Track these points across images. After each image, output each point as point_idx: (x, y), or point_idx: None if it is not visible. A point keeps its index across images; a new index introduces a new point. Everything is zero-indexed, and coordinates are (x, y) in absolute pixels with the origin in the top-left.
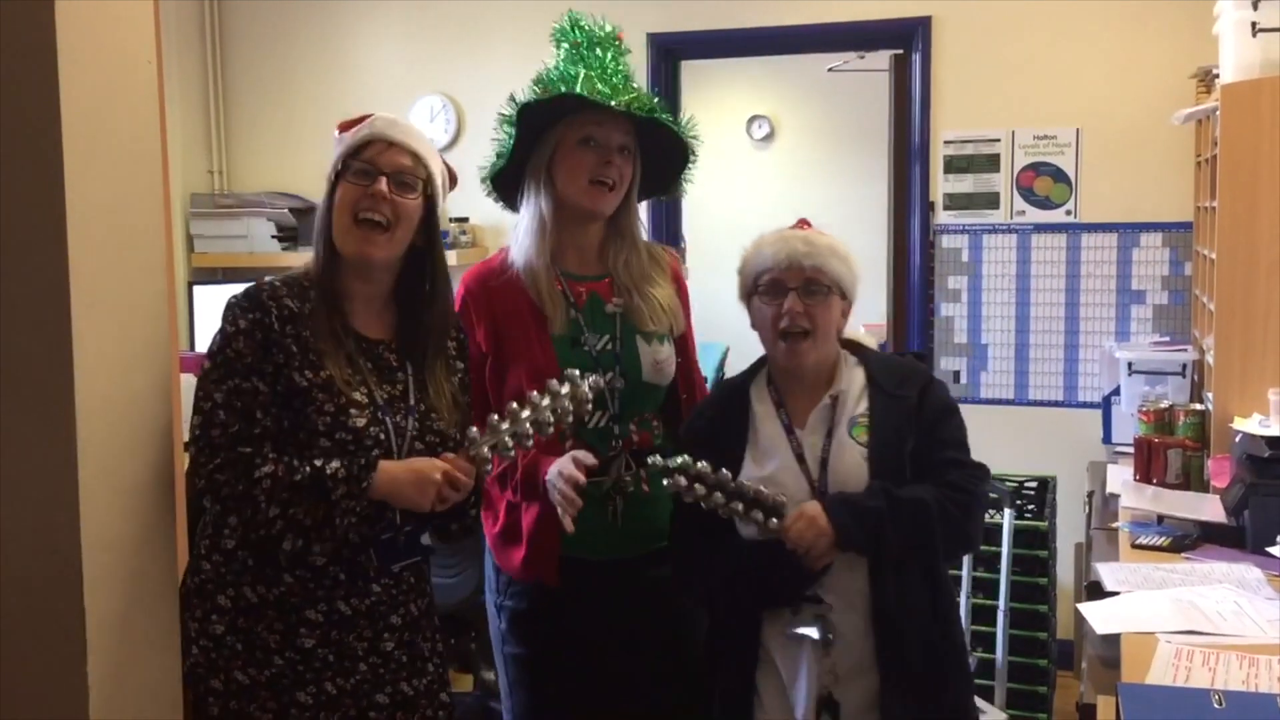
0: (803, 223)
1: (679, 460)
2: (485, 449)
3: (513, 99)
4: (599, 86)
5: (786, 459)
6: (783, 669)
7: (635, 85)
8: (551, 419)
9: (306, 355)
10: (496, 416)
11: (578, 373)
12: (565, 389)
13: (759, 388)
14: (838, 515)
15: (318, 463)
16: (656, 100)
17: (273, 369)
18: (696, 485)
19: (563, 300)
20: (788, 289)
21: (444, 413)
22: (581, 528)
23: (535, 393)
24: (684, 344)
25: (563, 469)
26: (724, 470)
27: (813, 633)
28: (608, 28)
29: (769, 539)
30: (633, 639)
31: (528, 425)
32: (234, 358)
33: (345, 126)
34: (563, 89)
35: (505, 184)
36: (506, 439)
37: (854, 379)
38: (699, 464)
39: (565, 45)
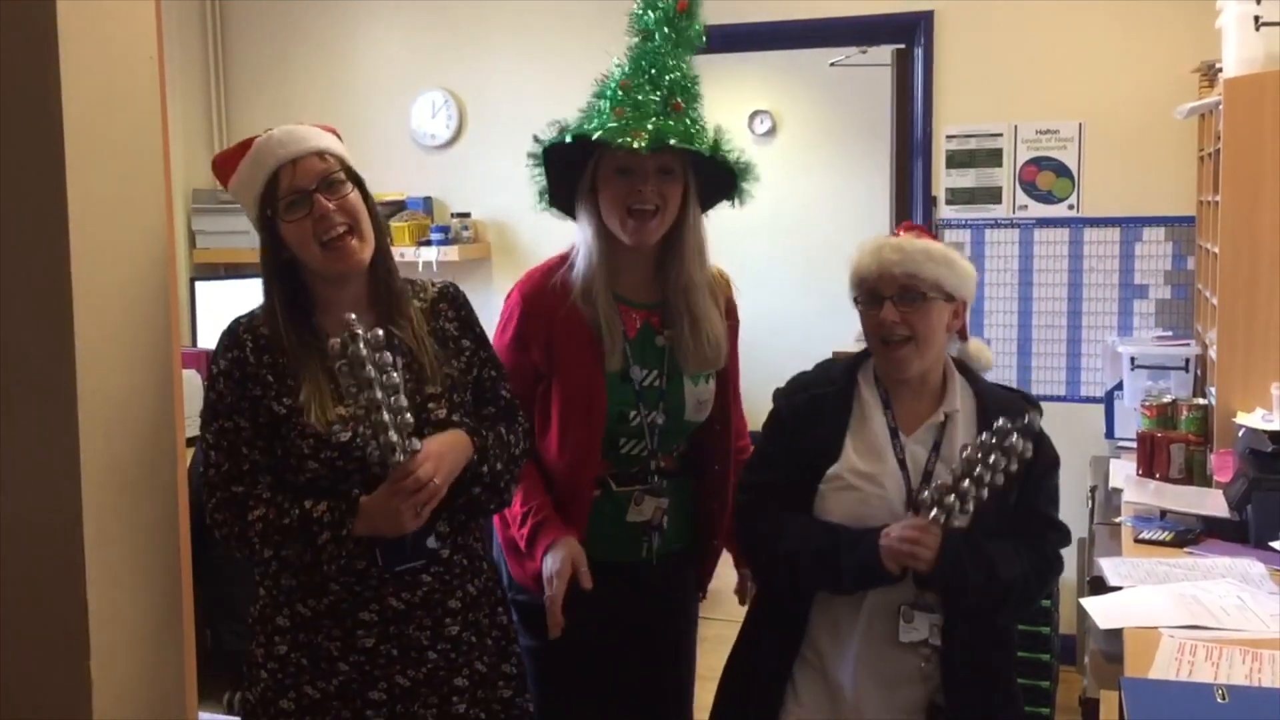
0: (905, 227)
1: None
2: (393, 455)
3: (536, 139)
4: (627, 114)
5: (891, 462)
6: (829, 661)
7: (681, 85)
8: (378, 392)
9: (284, 382)
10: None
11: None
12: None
13: (867, 376)
14: (949, 556)
15: (306, 504)
16: (697, 114)
17: (249, 404)
18: (949, 498)
19: (619, 334)
20: (883, 298)
21: (445, 397)
22: (595, 531)
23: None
24: (725, 377)
25: (554, 573)
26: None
27: (925, 634)
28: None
29: (848, 519)
30: (642, 632)
31: (380, 405)
32: (216, 400)
33: (225, 162)
34: (579, 130)
35: (564, 197)
36: (390, 434)
37: (965, 402)
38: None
39: (635, 38)
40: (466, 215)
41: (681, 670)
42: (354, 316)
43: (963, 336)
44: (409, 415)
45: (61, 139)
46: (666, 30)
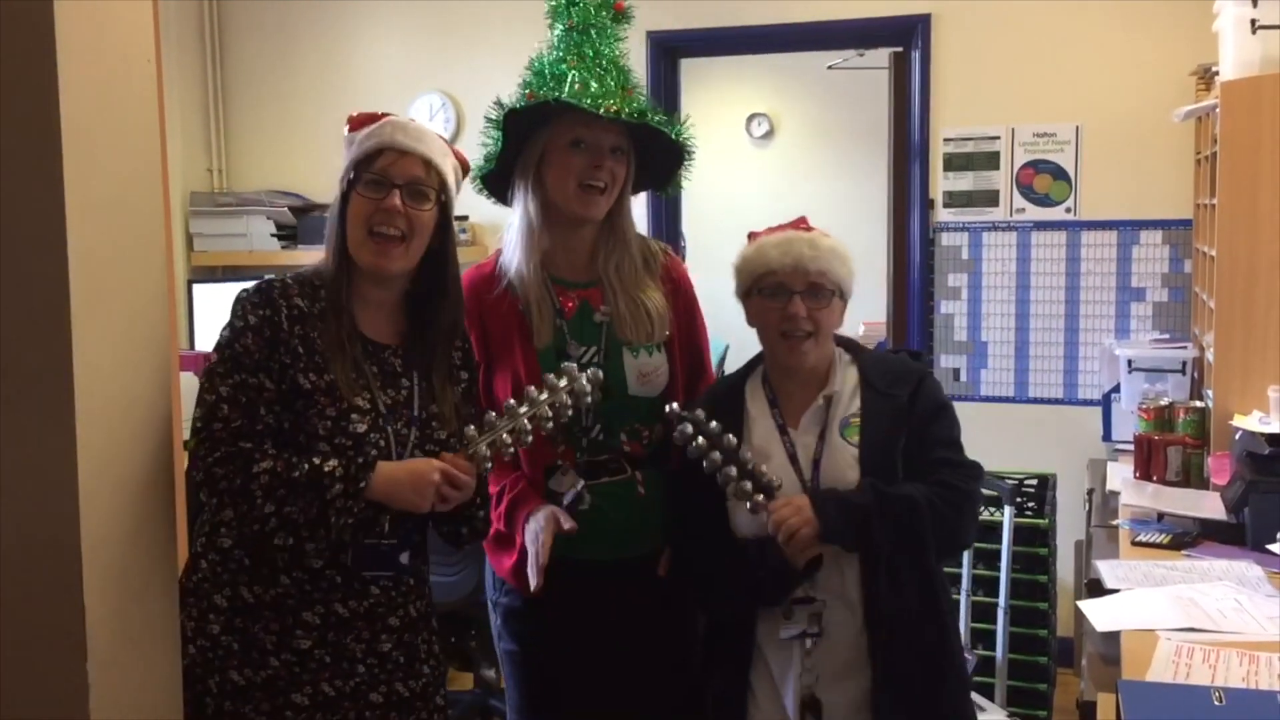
0: (801, 221)
1: (695, 412)
2: (484, 447)
3: (499, 103)
4: (591, 86)
5: (780, 459)
6: (774, 668)
7: (632, 77)
8: (550, 414)
9: (312, 357)
10: (494, 415)
11: (574, 366)
12: (563, 383)
13: (754, 386)
14: (824, 508)
15: (316, 460)
16: (646, 100)
17: (278, 367)
18: (699, 439)
19: (550, 310)
20: (792, 292)
21: (447, 421)
22: (578, 530)
23: (533, 388)
24: (689, 347)
25: (539, 530)
26: (731, 435)
27: (799, 629)
28: None
29: (756, 529)
30: (625, 637)
31: (525, 421)
32: (242, 353)
33: (356, 123)
34: (549, 94)
35: (498, 180)
36: (505, 436)
37: (847, 378)
38: (711, 422)
39: (560, 27)
40: (464, 219)
41: (677, 660)
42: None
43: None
44: (529, 439)
45: (59, 142)
46: (602, 25)
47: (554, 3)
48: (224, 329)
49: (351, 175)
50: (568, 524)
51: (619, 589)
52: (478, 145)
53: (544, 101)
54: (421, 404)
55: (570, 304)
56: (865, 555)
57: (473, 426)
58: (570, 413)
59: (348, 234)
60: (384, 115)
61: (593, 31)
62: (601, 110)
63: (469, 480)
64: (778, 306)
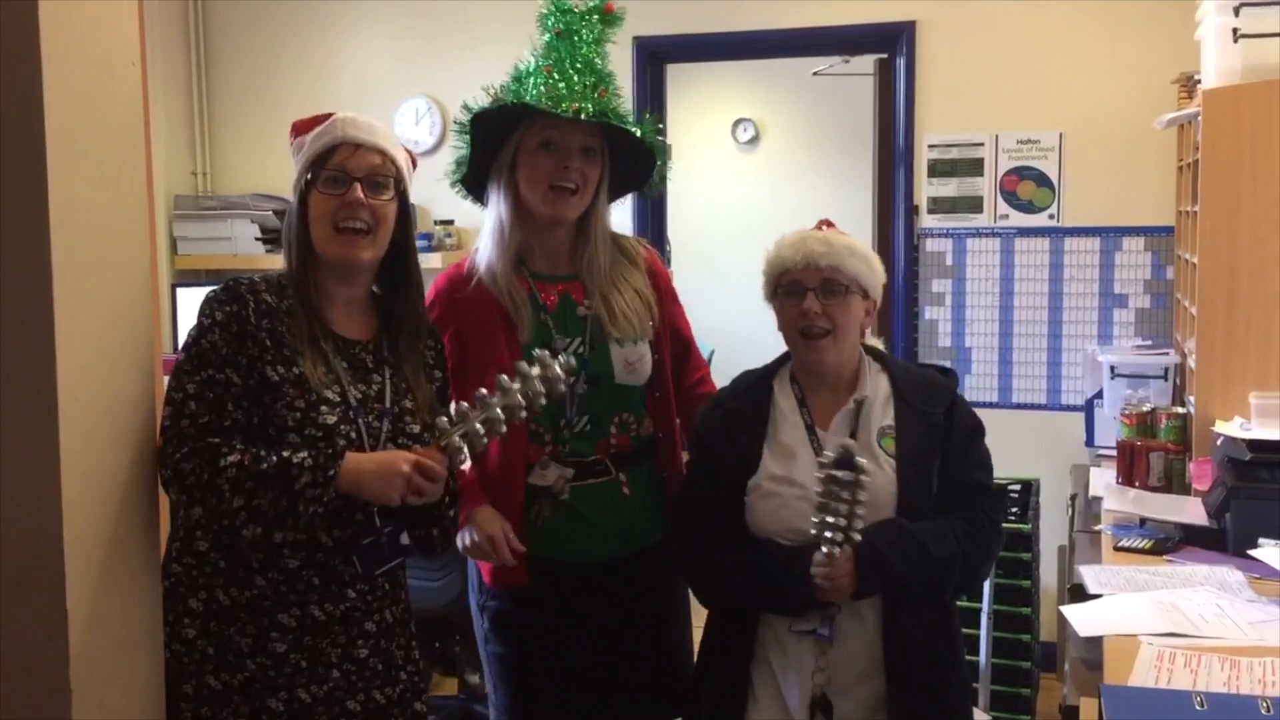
0: (824, 223)
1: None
2: (456, 438)
3: (466, 107)
4: (558, 88)
5: (807, 458)
6: (777, 664)
7: (608, 79)
8: (523, 402)
9: (280, 350)
10: (466, 405)
11: (547, 353)
12: (535, 370)
13: (782, 382)
14: (866, 570)
15: (285, 453)
16: (617, 101)
17: (246, 361)
18: (844, 474)
19: (530, 304)
20: (806, 289)
21: (421, 416)
22: (562, 530)
23: (504, 377)
24: (673, 333)
25: (485, 529)
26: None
27: (817, 628)
28: (592, 2)
29: (779, 529)
30: (612, 638)
31: (499, 411)
32: (208, 349)
33: (302, 127)
34: (512, 97)
35: (477, 182)
36: (478, 426)
37: (878, 386)
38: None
39: (549, 35)
40: (450, 222)
41: (671, 660)
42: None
43: (864, 346)
44: (504, 429)
45: (43, 145)
46: (588, 28)
47: (544, 10)
48: (191, 329)
49: (309, 176)
50: (509, 557)
51: (606, 590)
52: (453, 145)
53: (504, 104)
54: (394, 398)
55: (552, 298)
56: (895, 601)
57: (444, 417)
58: (544, 400)
59: (313, 233)
60: (328, 116)
61: (575, 37)
62: (562, 110)
63: (441, 471)
64: (794, 304)
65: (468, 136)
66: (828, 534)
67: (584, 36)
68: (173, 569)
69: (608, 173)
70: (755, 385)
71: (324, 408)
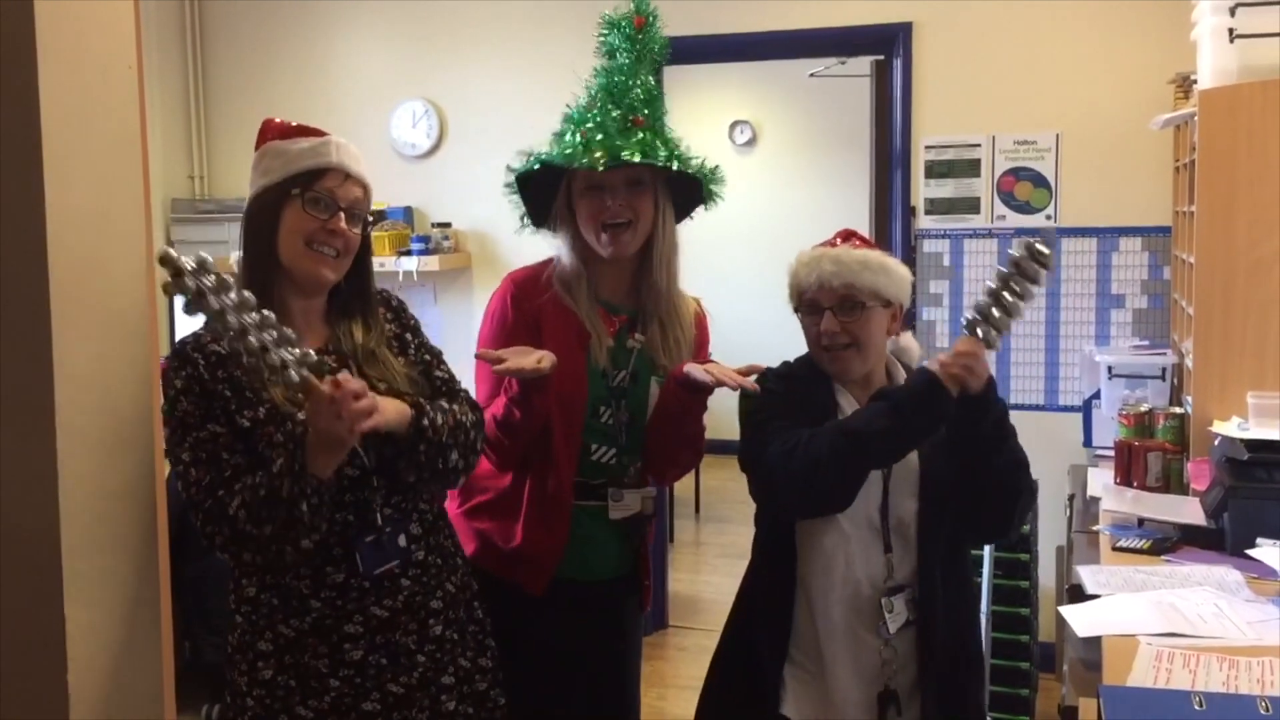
0: (841, 235)
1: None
2: (285, 372)
3: (509, 168)
4: (591, 134)
5: None
6: (835, 660)
7: (640, 111)
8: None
9: (243, 395)
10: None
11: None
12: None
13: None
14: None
15: (269, 469)
16: (647, 132)
17: (221, 413)
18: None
19: (603, 331)
20: (824, 308)
21: (404, 394)
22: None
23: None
24: None
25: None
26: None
27: (907, 614)
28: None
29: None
30: (603, 657)
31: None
32: (184, 416)
33: (278, 131)
34: (542, 155)
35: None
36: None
37: (897, 379)
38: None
39: (599, 79)
40: (447, 225)
41: (623, 691)
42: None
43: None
44: (293, 337)
45: (40, 149)
46: (627, 47)
47: (605, 31)
48: (163, 405)
49: (294, 190)
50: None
51: (584, 609)
52: (461, 152)
53: (531, 168)
54: (370, 387)
55: (611, 327)
56: (984, 424)
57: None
58: (234, 286)
59: (281, 242)
60: (307, 129)
61: (619, 54)
62: (584, 163)
63: (342, 385)
64: (814, 322)
65: (517, 196)
66: (995, 315)
67: (626, 53)
68: (235, 621)
69: (665, 197)
70: (811, 375)
71: (301, 429)
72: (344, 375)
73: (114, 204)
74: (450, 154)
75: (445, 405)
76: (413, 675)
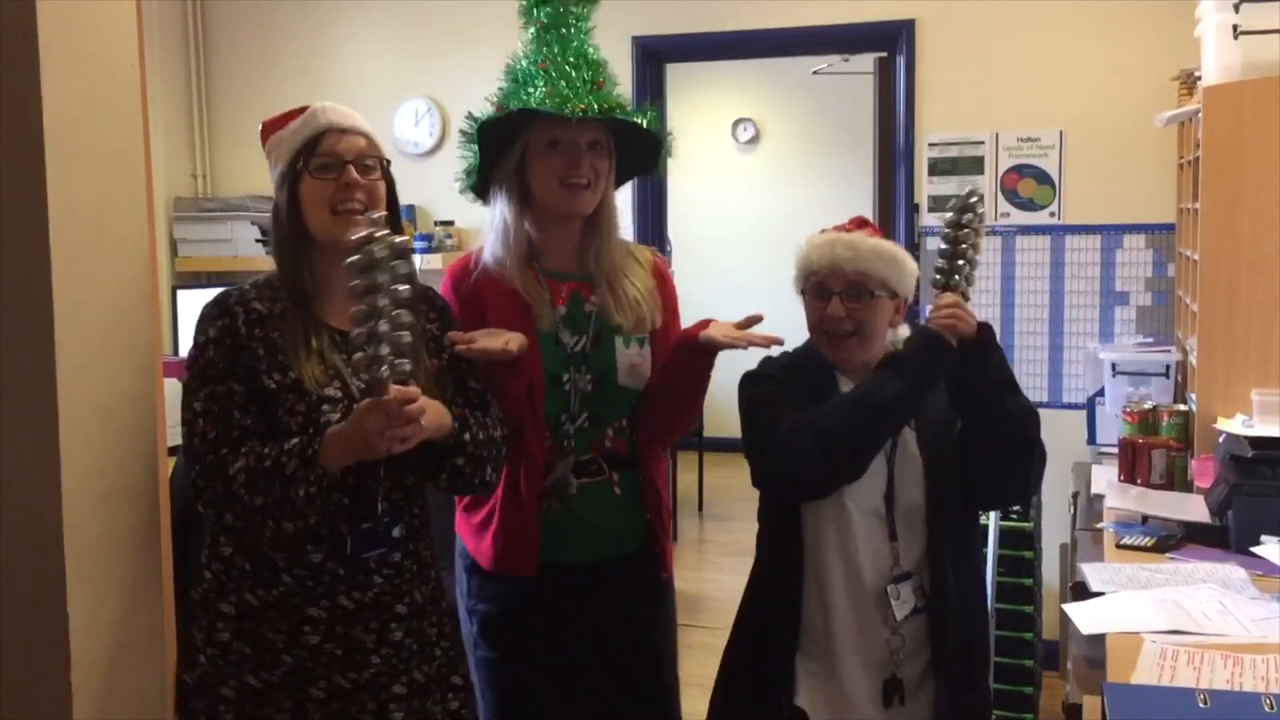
0: (854, 222)
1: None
2: (381, 370)
3: (471, 116)
4: (560, 87)
5: None
6: (844, 650)
7: (603, 70)
8: (404, 294)
9: (275, 357)
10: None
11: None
12: (381, 253)
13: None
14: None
15: (284, 443)
16: (616, 93)
17: (245, 372)
18: (969, 218)
19: (546, 299)
20: (832, 292)
21: (428, 390)
22: (558, 529)
23: (362, 307)
24: (660, 345)
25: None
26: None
27: (915, 601)
28: None
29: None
30: (603, 641)
31: (391, 329)
32: (207, 365)
33: (274, 125)
34: (517, 102)
35: (482, 183)
36: (385, 350)
37: None
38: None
39: (532, 28)
40: (450, 223)
41: (657, 659)
42: (377, 215)
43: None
44: (407, 336)
45: (42, 147)
46: (574, 19)
47: (524, 3)
48: (191, 347)
49: (300, 164)
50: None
51: (596, 592)
52: (460, 154)
53: (510, 113)
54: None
55: (562, 297)
56: (985, 370)
57: (358, 354)
58: (407, 282)
59: (309, 220)
60: (298, 111)
61: (562, 29)
62: (569, 111)
63: (403, 394)
64: (820, 306)
65: (475, 146)
66: (956, 276)
67: (571, 26)
68: (203, 576)
69: (615, 162)
70: (811, 362)
71: (325, 406)
72: (414, 391)
73: (116, 203)
74: (453, 152)
75: (478, 415)
76: (363, 674)
